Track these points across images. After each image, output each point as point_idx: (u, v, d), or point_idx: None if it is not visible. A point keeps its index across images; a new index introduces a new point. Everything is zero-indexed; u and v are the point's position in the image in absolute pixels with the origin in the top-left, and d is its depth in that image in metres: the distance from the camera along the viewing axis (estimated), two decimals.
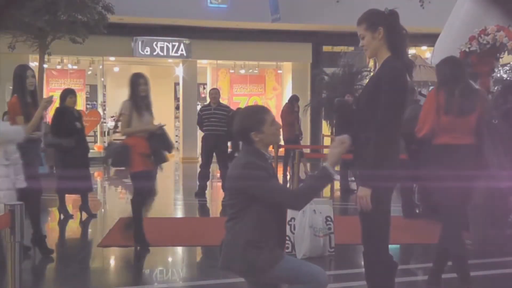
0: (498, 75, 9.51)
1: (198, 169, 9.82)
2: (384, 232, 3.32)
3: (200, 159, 14.51)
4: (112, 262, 6.00)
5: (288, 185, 10.66)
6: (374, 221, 3.27)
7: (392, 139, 3.22)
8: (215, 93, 9.84)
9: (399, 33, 3.32)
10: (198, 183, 9.73)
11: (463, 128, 4.23)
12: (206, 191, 9.91)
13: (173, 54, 17.61)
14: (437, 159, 4.24)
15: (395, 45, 3.30)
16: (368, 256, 3.40)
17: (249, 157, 3.21)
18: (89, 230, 7.54)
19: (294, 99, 12.64)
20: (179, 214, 9.20)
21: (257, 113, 3.27)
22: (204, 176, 9.64)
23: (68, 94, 7.79)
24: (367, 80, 3.36)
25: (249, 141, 3.23)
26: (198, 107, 14.79)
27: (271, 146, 3.43)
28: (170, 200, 10.26)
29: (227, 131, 9.25)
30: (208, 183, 9.92)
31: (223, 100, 19.15)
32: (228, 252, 3.22)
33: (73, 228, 7.60)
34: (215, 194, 11.01)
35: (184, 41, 17.50)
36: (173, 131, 19.25)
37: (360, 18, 3.35)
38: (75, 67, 18.47)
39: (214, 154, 9.54)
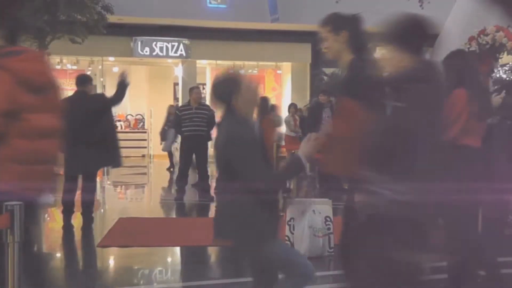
0: (498, 75, 9.52)
1: (176, 173, 9.48)
2: None
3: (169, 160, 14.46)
4: (112, 262, 6.01)
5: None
6: None
7: None
8: (198, 92, 9.60)
9: (363, 37, 3.32)
10: (176, 187, 9.50)
11: (480, 132, 4.20)
12: (184, 196, 9.56)
13: (172, 54, 17.61)
14: (465, 159, 4.12)
15: (359, 48, 3.30)
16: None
17: (233, 127, 3.17)
18: (89, 230, 7.53)
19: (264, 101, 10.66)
20: (178, 214, 9.19)
21: (233, 78, 3.28)
22: (183, 182, 9.39)
23: None
24: (338, 86, 3.36)
25: (230, 108, 3.20)
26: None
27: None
28: (169, 200, 10.25)
29: (207, 131, 9.16)
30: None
31: None
32: (220, 225, 3.21)
33: (72, 228, 7.58)
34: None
35: (184, 41, 17.50)
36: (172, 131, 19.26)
37: (325, 20, 3.35)
38: (74, 67, 18.48)
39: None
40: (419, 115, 2.32)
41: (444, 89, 2.47)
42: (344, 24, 3.30)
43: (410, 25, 2.53)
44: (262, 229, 3.14)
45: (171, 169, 14.45)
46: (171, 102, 19.79)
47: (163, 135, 14.67)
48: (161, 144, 14.70)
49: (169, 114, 14.77)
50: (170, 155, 14.51)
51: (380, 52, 2.50)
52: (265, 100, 10.41)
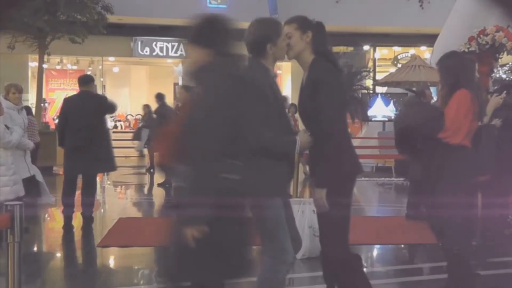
0: (497, 75, 9.53)
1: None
2: (343, 232, 3.30)
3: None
4: (112, 262, 6.01)
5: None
6: (332, 221, 3.26)
7: (339, 137, 3.22)
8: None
9: (325, 41, 3.37)
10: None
11: (473, 133, 4.22)
12: None
13: (172, 54, 17.62)
14: (466, 160, 4.12)
15: (320, 50, 3.34)
16: (327, 257, 3.40)
17: (254, 73, 3.18)
18: (89, 230, 7.53)
19: None
20: None
21: (276, 24, 3.29)
22: None
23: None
24: (301, 88, 3.40)
25: (261, 53, 3.21)
26: None
27: None
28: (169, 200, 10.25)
29: None
30: None
31: None
32: None
33: (72, 228, 7.59)
34: None
35: (184, 41, 17.51)
36: None
37: (292, 18, 3.40)
38: (74, 67, 18.50)
39: None
40: (210, 104, 2.56)
41: (248, 80, 2.72)
42: (310, 25, 3.37)
43: (203, 23, 2.84)
44: (269, 184, 3.13)
45: (151, 170, 14.13)
46: (171, 102, 19.83)
47: (137, 135, 14.39)
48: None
49: (144, 114, 14.60)
50: (151, 156, 14.09)
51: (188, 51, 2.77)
52: None
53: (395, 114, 14.40)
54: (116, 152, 12.64)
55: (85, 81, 7.44)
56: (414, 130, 4.01)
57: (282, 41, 3.24)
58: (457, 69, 4.13)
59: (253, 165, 2.78)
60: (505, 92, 4.88)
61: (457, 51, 4.52)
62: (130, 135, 18.58)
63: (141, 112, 19.97)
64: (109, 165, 7.57)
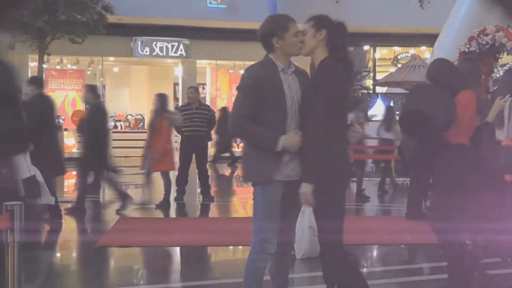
0: (497, 75, 9.51)
1: (176, 173, 9.16)
2: (337, 231, 3.30)
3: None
4: (111, 262, 6.00)
5: None
6: (324, 217, 3.27)
7: (332, 134, 3.22)
8: (193, 91, 9.42)
9: (340, 41, 3.37)
10: (176, 187, 9.29)
11: (472, 130, 4.23)
12: (184, 196, 9.36)
13: (172, 54, 17.61)
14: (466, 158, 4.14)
15: (334, 48, 3.35)
16: (324, 255, 3.40)
17: (255, 65, 3.33)
18: (88, 230, 7.53)
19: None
20: (178, 214, 9.18)
21: (283, 20, 3.37)
22: (183, 181, 9.25)
23: None
24: (306, 84, 3.39)
25: (269, 47, 3.31)
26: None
27: None
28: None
29: (208, 131, 9.09)
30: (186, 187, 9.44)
31: (223, 100, 19.21)
32: (242, 169, 3.43)
33: (72, 228, 7.59)
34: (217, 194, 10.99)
35: (184, 41, 17.50)
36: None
37: (311, 16, 3.46)
38: (74, 67, 18.48)
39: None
40: None
41: None
42: (326, 24, 3.39)
43: None
44: (257, 170, 3.26)
45: None
46: (171, 102, 19.84)
47: (81, 128, 14.21)
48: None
49: None
50: None
51: None
52: (163, 97, 9.42)
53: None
54: (116, 152, 12.63)
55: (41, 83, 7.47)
56: (426, 118, 3.97)
57: (291, 36, 3.28)
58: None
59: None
60: (509, 95, 4.84)
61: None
62: (130, 135, 18.59)
63: (141, 112, 20.03)
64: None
